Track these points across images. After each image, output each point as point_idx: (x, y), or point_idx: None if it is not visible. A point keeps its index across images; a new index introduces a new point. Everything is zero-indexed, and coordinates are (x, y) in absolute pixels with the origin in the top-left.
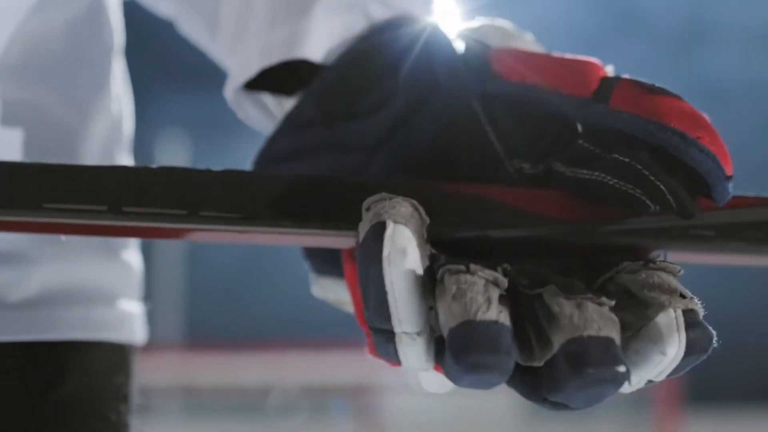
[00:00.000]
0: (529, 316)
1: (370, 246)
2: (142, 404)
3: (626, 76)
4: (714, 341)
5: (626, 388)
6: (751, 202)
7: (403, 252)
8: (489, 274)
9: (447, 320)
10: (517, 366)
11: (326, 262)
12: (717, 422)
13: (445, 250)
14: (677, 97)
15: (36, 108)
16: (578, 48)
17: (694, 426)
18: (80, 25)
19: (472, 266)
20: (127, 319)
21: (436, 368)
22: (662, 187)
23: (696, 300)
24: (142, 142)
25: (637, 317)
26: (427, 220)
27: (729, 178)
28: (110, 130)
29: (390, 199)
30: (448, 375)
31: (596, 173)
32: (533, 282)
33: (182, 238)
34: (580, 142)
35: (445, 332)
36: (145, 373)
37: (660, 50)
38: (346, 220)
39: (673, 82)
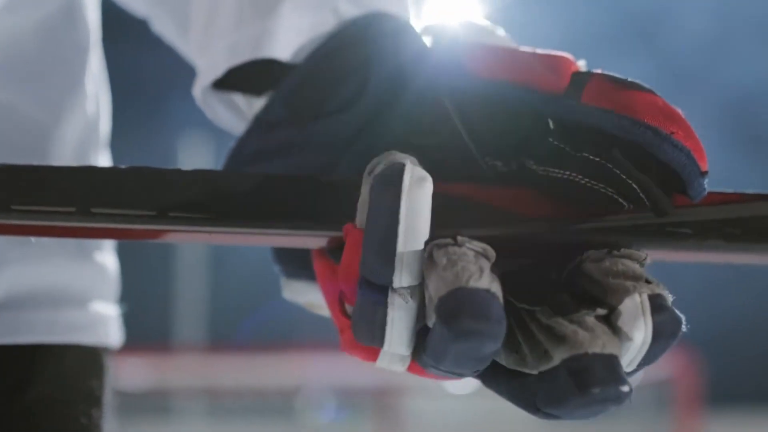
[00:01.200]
0: (517, 320)
1: (388, 179)
2: (163, 406)
3: (598, 71)
4: (683, 326)
5: None
6: (727, 199)
7: (423, 179)
8: (477, 245)
9: (438, 289)
10: (502, 369)
11: (296, 264)
12: (738, 424)
13: None
14: (651, 91)
15: (7, 108)
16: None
17: (714, 428)
18: (53, 24)
19: (460, 238)
20: (101, 321)
21: (411, 367)
22: (634, 185)
23: (663, 286)
24: (164, 144)
25: (602, 306)
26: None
27: (704, 173)
28: (85, 130)
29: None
30: (435, 350)
31: (567, 172)
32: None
33: (152, 239)
34: (551, 140)
35: (434, 304)
36: (168, 375)
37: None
38: (316, 219)
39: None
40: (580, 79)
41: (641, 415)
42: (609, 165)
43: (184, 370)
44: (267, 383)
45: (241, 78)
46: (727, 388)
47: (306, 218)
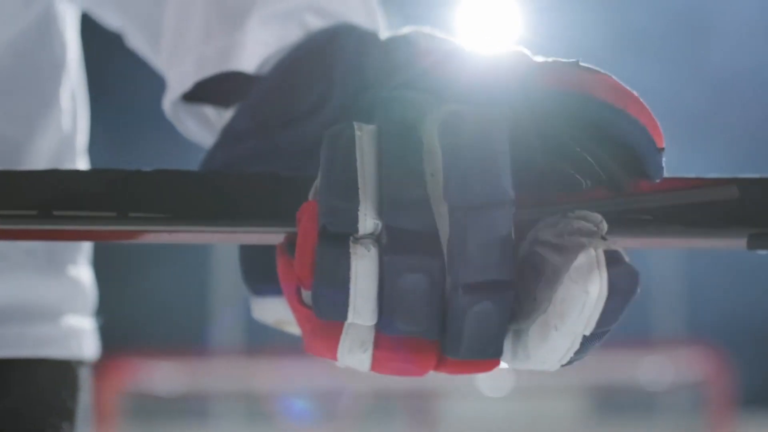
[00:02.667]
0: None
1: (338, 130)
2: (200, 410)
3: (554, 59)
4: (639, 281)
5: (562, 350)
6: (688, 184)
7: (369, 128)
8: None
9: None
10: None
11: (264, 280)
12: None
13: None
14: (606, 74)
15: None
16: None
17: (748, 430)
18: (27, 40)
19: None
20: (74, 335)
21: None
22: (590, 158)
23: (619, 246)
24: (177, 152)
25: (562, 262)
26: None
27: (660, 150)
28: (59, 145)
29: None
30: (388, 276)
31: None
32: None
33: (114, 241)
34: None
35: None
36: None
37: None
38: (276, 216)
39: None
40: (538, 65)
41: (675, 417)
42: (564, 139)
43: (222, 374)
44: (304, 387)
45: (211, 90)
46: (760, 390)
47: (265, 216)
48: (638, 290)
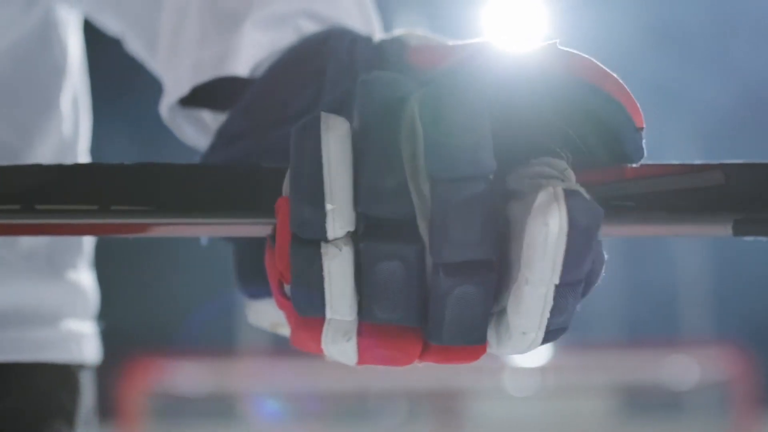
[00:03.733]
0: None
1: (305, 126)
2: (228, 411)
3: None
4: (600, 216)
5: (537, 308)
6: (670, 171)
7: (340, 121)
8: None
9: None
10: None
11: (257, 284)
12: None
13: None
14: (584, 55)
15: None
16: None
17: None
18: (27, 46)
19: None
20: (74, 338)
21: (363, 354)
22: (570, 132)
23: (582, 189)
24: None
25: (524, 208)
26: None
27: (639, 130)
28: (60, 150)
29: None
30: (365, 265)
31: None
32: None
33: (97, 234)
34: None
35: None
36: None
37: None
38: (259, 208)
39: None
40: (519, 51)
41: (701, 416)
42: (546, 117)
43: (249, 374)
44: (332, 387)
45: (208, 95)
46: None
47: (248, 207)
48: (599, 226)
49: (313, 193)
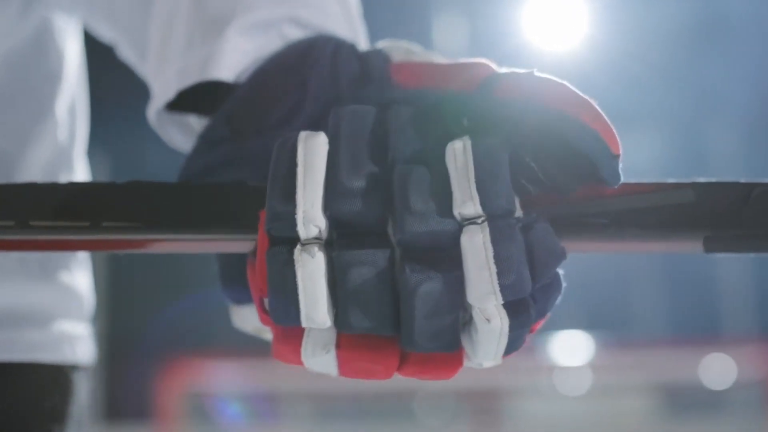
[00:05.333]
0: None
1: (285, 139)
2: (266, 411)
3: (516, 69)
4: (502, 146)
5: (480, 253)
6: (643, 189)
7: (317, 133)
8: None
9: None
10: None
11: (242, 289)
12: None
13: None
14: (562, 83)
15: None
16: None
17: None
18: (22, 54)
19: None
20: (66, 340)
21: (343, 365)
22: (532, 163)
23: None
24: None
25: None
26: None
27: (615, 156)
28: (54, 155)
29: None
30: (338, 273)
31: None
32: None
33: (89, 250)
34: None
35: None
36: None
37: None
38: (245, 225)
39: None
40: (495, 77)
41: (740, 415)
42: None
43: (290, 375)
44: (373, 387)
45: (196, 100)
46: None
47: (234, 223)
48: (502, 152)
49: (286, 190)
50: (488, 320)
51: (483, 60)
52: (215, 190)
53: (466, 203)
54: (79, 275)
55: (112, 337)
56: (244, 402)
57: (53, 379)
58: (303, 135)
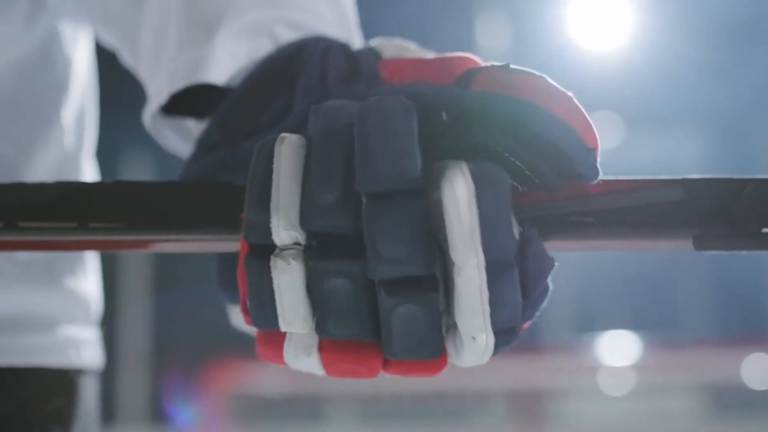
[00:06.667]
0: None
1: (264, 143)
2: (314, 412)
3: (497, 63)
4: (501, 172)
5: (474, 290)
6: (632, 186)
7: (296, 138)
8: None
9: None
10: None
11: (238, 289)
12: None
13: None
14: (540, 76)
15: None
16: None
17: None
18: (29, 62)
19: None
20: (72, 344)
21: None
22: (518, 162)
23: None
24: None
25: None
26: None
27: (591, 150)
28: (60, 162)
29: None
30: (315, 282)
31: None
32: None
33: (76, 250)
34: (444, 133)
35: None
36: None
37: None
38: (232, 224)
39: None
40: (474, 70)
41: None
42: (490, 144)
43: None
44: (415, 388)
45: (192, 104)
46: None
47: (220, 223)
48: (507, 188)
49: (262, 199)
50: (474, 338)
51: (467, 54)
52: (201, 190)
53: (469, 259)
54: (85, 280)
55: (155, 339)
56: (289, 403)
57: (58, 383)
58: (279, 140)
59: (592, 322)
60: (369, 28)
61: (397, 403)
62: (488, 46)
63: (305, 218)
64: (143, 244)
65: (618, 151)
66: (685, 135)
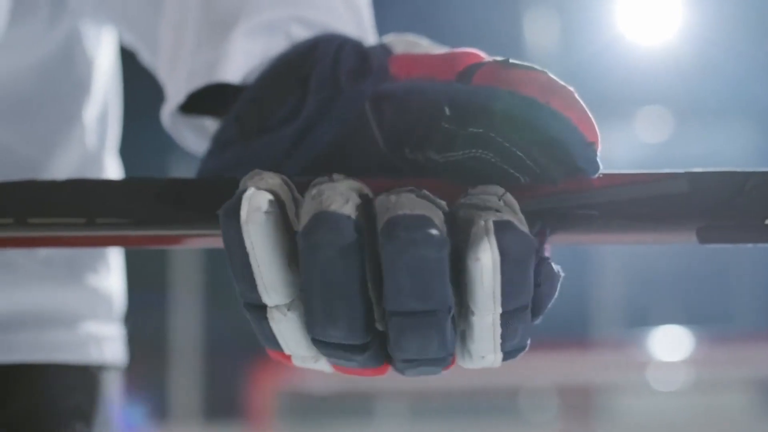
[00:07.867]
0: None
1: (228, 211)
2: (365, 409)
3: (499, 58)
4: (531, 245)
5: (488, 334)
6: (635, 179)
7: (259, 209)
8: (353, 183)
9: (303, 218)
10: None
11: None
12: None
13: None
14: (541, 71)
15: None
16: None
17: None
18: (51, 63)
19: (336, 175)
20: (93, 340)
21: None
22: (519, 153)
23: (518, 216)
24: None
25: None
26: (300, 198)
27: (590, 144)
28: (82, 162)
29: (260, 173)
30: (304, 273)
31: (460, 152)
32: None
33: (85, 246)
34: (444, 124)
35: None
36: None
37: None
38: None
39: None
40: (475, 66)
41: None
42: (491, 134)
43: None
44: (465, 385)
45: (210, 102)
46: None
47: None
48: (532, 255)
49: (247, 278)
50: (483, 357)
51: (471, 50)
52: (210, 186)
53: (486, 312)
54: (108, 277)
55: (207, 335)
56: (338, 400)
57: (79, 379)
58: (243, 211)
59: (643, 317)
60: (416, 25)
61: (447, 399)
62: (536, 42)
63: (312, 329)
64: (152, 240)
65: (667, 146)
66: (735, 129)
